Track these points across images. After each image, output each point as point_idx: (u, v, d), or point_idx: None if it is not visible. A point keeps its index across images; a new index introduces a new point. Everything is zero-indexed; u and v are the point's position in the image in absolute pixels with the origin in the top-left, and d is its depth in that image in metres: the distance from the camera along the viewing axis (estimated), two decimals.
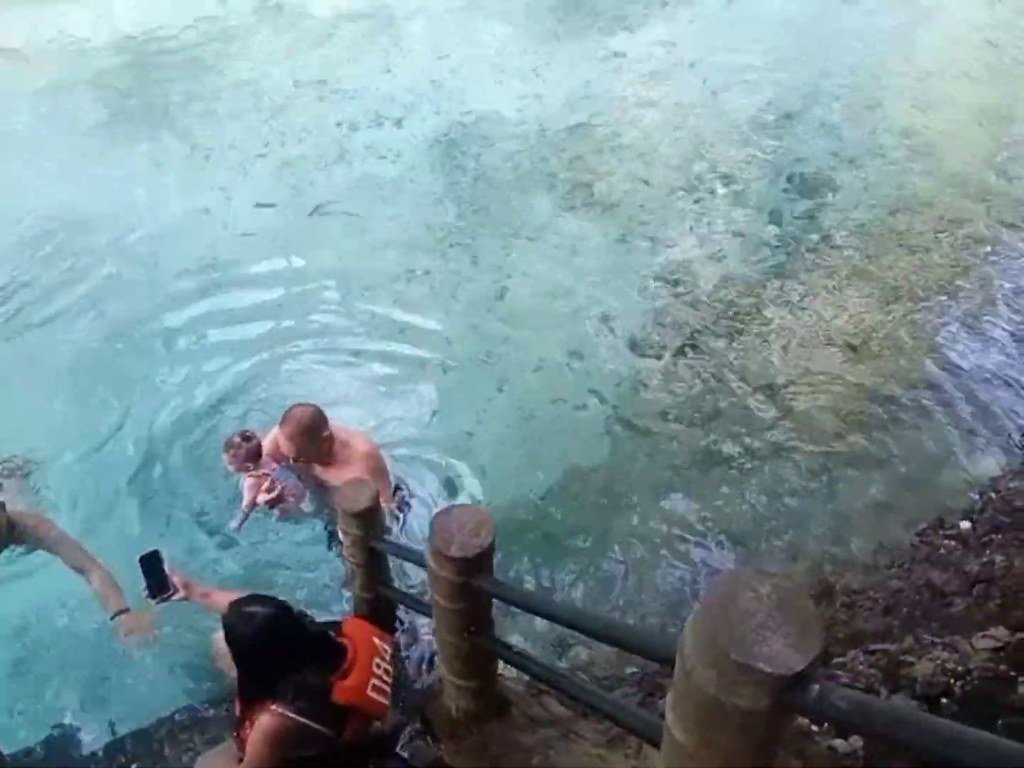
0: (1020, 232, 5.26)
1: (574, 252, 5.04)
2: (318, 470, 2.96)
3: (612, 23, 7.46)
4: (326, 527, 3.07)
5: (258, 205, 5.35)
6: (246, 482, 2.95)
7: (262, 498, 2.91)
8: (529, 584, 3.21)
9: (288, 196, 5.46)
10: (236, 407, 3.92)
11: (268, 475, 2.94)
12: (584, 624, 1.39)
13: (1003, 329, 4.58)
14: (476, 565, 1.63)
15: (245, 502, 2.94)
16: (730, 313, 4.66)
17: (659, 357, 4.40)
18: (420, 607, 2.18)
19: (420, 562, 1.87)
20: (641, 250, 5.10)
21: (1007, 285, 4.87)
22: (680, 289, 4.83)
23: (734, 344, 4.47)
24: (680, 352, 4.41)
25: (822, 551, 3.23)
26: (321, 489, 3.01)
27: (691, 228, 5.28)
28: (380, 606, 2.41)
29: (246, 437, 2.93)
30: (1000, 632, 1.90)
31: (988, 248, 5.14)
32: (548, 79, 6.73)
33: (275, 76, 6.73)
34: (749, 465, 3.74)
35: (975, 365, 4.35)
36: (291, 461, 2.90)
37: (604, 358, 4.39)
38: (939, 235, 5.24)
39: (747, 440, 3.91)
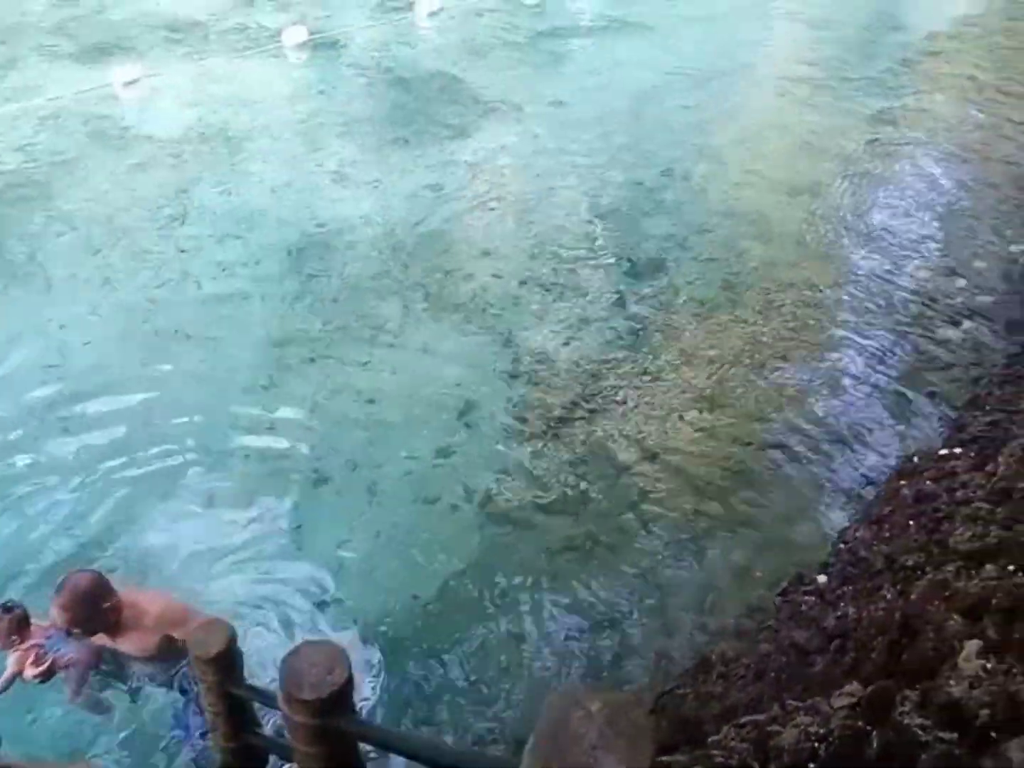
0: (840, 291, 5.76)
1: (434, 351, 5.12)
2: (104, 639, 2.72)
3: (451, 130, 7.80)
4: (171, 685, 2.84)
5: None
6: (9, 657, 2.67)
7: (28, 672, 2.64)
8: (414, 706, 3.11)
9: (132, 324, 5.29)
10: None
11: (37, 646, 2.67)
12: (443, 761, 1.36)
13: (840, 383, 4.96)
14: (332, 705, 1.57)
15: (4, 676, 2.67)
16: (588, 396, 4.82)
17: (525, 445, 4.49)
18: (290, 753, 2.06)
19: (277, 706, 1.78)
20: (498, 343, 5.23)
21: (837, 338, 5.31)
22: (539, 377, 4.97)
23: (595, 425, 4.62)
24: (544, 439, 4.52)
25: (695, 622, 3.32)
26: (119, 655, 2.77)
27: (543, 317, 5.47)
28: (248, 755, 2.26)
29: (6, 608, 2.69)
30: (855, 687, 1.98)
31: (816, 308, 5.59)
32: (394, 186, 6.92)
33: (114, 203, 6.59)
34: (619, 544, 3.83)
35: (818, 420, 4.67)
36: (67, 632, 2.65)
37: (472, 452, 4.43)
38: (771, 301, 5.65)
39: (616, 518, 4.02)
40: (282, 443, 4.38)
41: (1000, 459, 2.76)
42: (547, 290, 5.77)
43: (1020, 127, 8.00)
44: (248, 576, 3.49)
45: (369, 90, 8.66)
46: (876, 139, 7.84)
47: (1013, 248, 5.97)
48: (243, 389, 4.72)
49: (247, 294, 5.56)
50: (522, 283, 5.83)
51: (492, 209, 6.65)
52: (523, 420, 4.64)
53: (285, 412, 4.60)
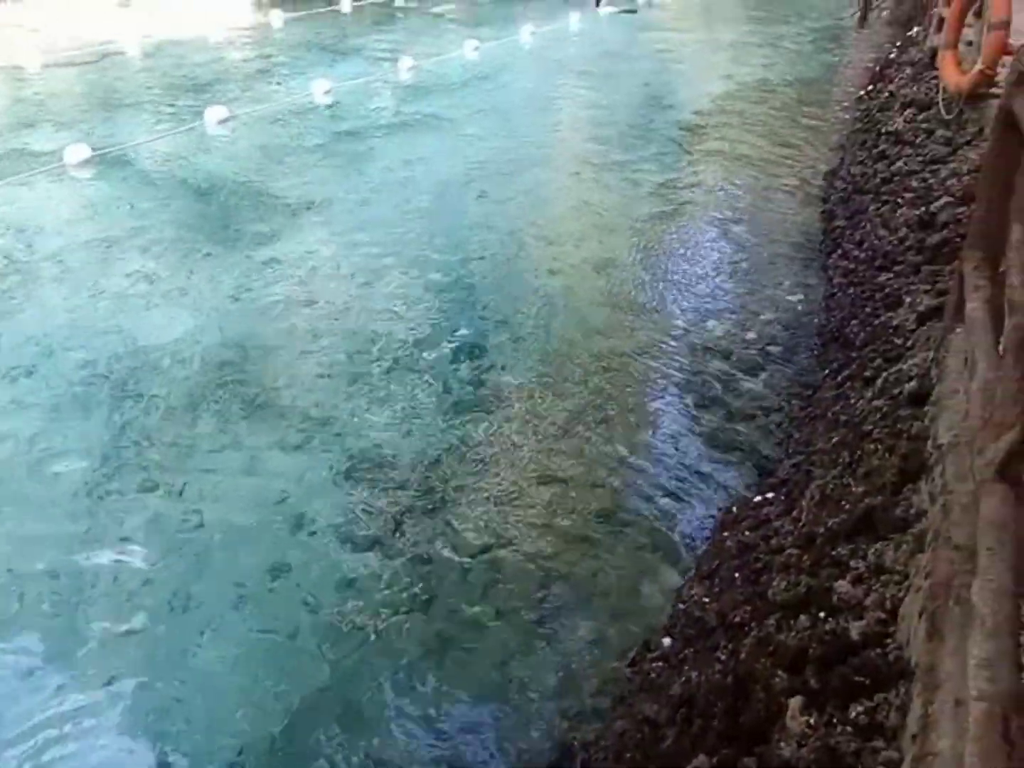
0: (648, 356, 6.10)
1: (259, 466, 4.90)
2: None
3: (256, 237, 7.70)
4: None
5: None
6: None
7: None
8: None
9: None
10: None
11: None
12: None
13: (661, 442, 5.20)
14: None
15: None
16: (426, 488, 4.77)
17: (366, 551, 4.36)
18: None
19: None
20: (327, 446, 5.09)
21: (652, 400, 5.60)
22: (374, 476, 4.87)
23: (436, 518, 4.56)
24: (385, 541, 4.40)
25: (554, 709, 3.29)
26: None
27: (371, 413, 5.41)
28: None
29: None
30: (701, 761, 2.01)
31: (630, 374, 5.87)
32: (202, 299, 6.70)
33: None
34: (472, 641, 3.76)
35: (648, 480, 4.85)
36: None
37: (309, 569, 4.24)
38: (589, 372, 5.89)
39: (466, 614, 3.96)
40: (98, 586, 4.01)
41: (803, 503, 2.96)
42: (372, 385, 5.72)
43: (782, 188, 8.96)
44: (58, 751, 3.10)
45: (165, 204, 8.41)
46: (662, 211, 8.50)
47: (790, 298, 6.59)
48: (52, 535, 4.31)
49: (43, 430, 5.13)
50: (346, 380, 5.76)
51: (306, 311, 6.56)
52: (361, 524, 4.51)
53: (102, 554, 4.23)
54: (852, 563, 2.06)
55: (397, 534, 4.45)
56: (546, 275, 7.23)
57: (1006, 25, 5.39)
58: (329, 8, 17.42)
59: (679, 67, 14.79)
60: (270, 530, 4.44)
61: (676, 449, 5.09)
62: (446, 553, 4.35)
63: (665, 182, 9.22)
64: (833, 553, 2.21)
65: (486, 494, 4.71)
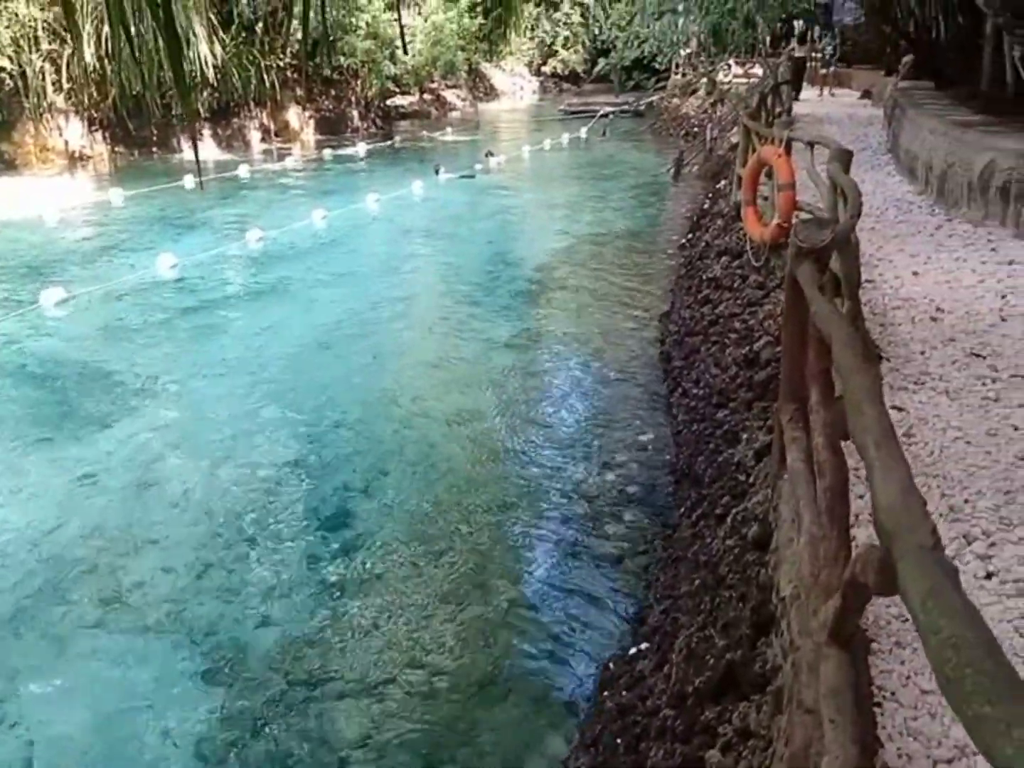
0: (515, 508, 6.13)
1: (106, 680, 4.45)
2: None
3: (99, 420, 7.34)
4: None
5: None
6: None
7: None
8: None
9: None
10: None
11: None
12: None
13: (536, 598, 5.14)
14: None
15: None
16: (294, 681, 4.46)
17: (232, 761, 3.97)
18: None
19: None
20: (181, 647, 4.71)
21: (524, 556, 5.57)
22: (235, 673, 4.51)
23: (309, 710, 4.25)
24: (252, 744, 4.04)
25: None
26: None
27: (229, 602, 5.08)
28: None
29: None
30: None
31: (497, 529, 5.85)
32: (39, 491, 6.24)
33: None
34: None
35: (525, 640, 4.74)
36: None
37: None
38: (457, 531, 5.82)
39: None
40: None
41: (673, 656, 2.98)
42: (229, 571, 5.40)
43: (623, 332, 9.53)
44: None
45: None
46: (516, 361, 8.80)
47: (642, 438, 6.89)
48: None
49: None
50: (200, 568, 5.41)
51: (155, 495, 6.22)
52: (224, 729, 4.13)
53: None
54: (720, 728, 2.06)
55: (265, 736, 4.10)
56: (409, 433, 7.24)
57: (792, 186, 6.12)
58: (172, 184, 17.59)
59: (519, 225, 15.80)
60: (127, 745, 3.99)
61: (552, 604, 5.04)
62: (325, 750, 4.04)
63: (516, 334, 9.60)
64: (703, 717, 2.21)
65: (357, 682, 4.46)
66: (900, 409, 3.35)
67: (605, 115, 24.48)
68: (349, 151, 23.46)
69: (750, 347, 6.12)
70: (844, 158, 4.64)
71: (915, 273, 5.42)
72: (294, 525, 5.90)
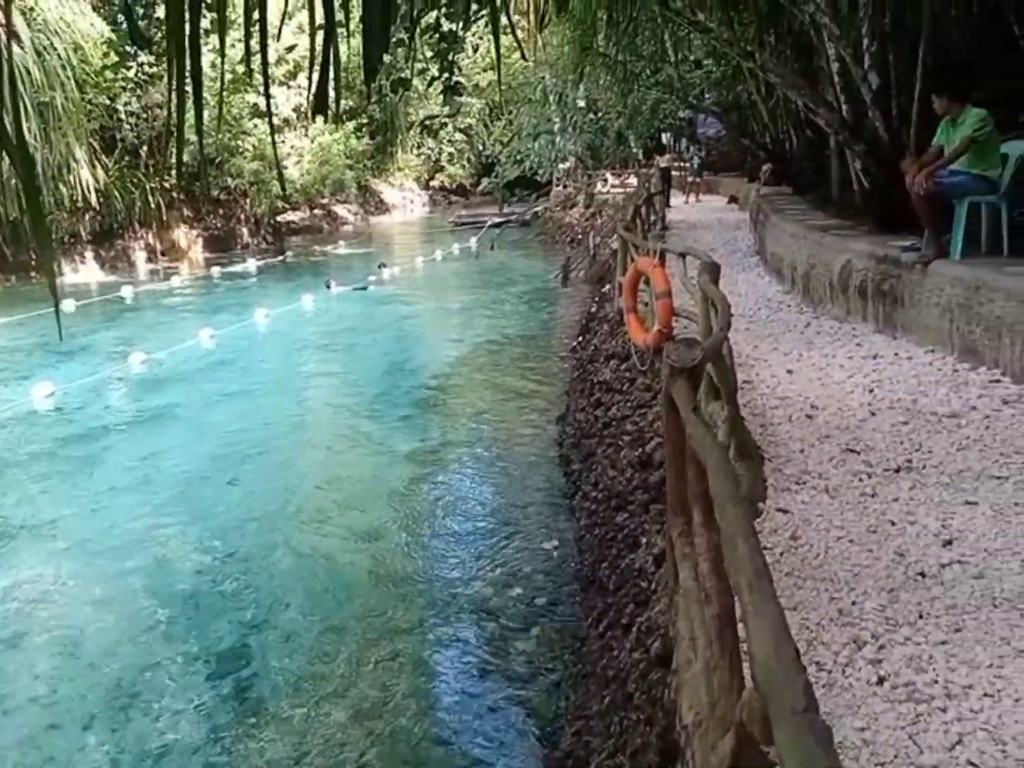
0: (420, 633, 5.91)
1: None
2: None
3: None
4: None
5: None
6: None
7: None
8: None
9: None
10: None
11: None
12: None
13: (446, 722, 4.91)
14: None
15: None
16: None
17: None
18: None
19: None
20: None
21: (430, 679, 5.34)
22: None
23: None
24: None
25: None
26: None
27: (118, 761, 4.63)
28: None
29: None
30: None
31: (402, 657, 5.61)
32: None
33: None
34: None
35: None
36: None
37: None
38: (365, 664, 5.54)
39: None
40: None
41: None
42: (113, 728, 4.95)
43: (522, 437, 9.59)
44: None
45: None
46: (417, 474, 8.69)
47: (547, 545, 6.85)
48: None
49: None
50: (85, 725, 4.94)
51: (30, 645, 5.69)
52: None
53: None
54: None
55: None
56: (308, 558, 6.96)
57: (668, 294, 6.44)
58: (50, 309, 16.94)
59: (415, 334, 15.94)
60: None
61: (463, 732, 4.81)
62: None
63: (416, 445, 9.52)
64: None
65: None
66: (785, 511, 3.46)
67: (495, 225, 25.40)
68: (239, 268, 23.35)
69: (642, 448, 6.25)
70: (713, 271, 4.93)
71: (789, 371, 5.71)
72: (185, 669, 5.49)
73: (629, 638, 3.97)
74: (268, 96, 2.84)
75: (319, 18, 2.86)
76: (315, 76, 2.78)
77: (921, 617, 2.64)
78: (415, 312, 17.57)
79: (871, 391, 5.09)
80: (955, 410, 4.57)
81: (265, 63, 2.71)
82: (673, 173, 22.06)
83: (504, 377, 12.25)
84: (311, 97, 2.59)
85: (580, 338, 12.81)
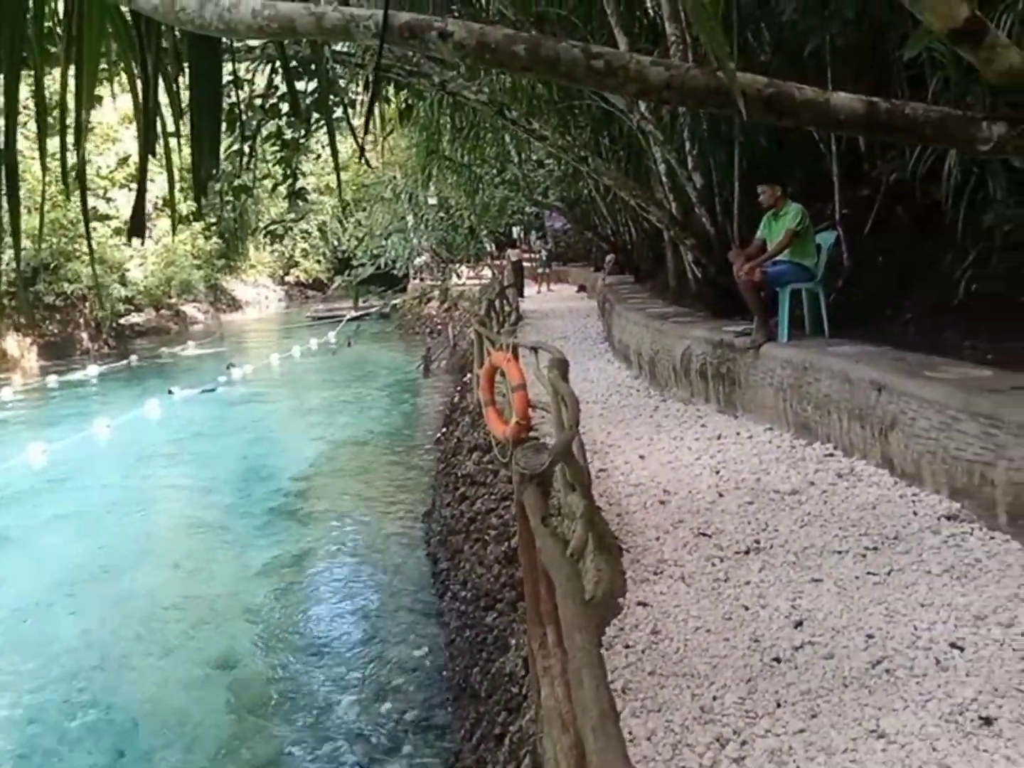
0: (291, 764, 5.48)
1: None
2: None
3: None
4: None
5: None
6: None
7: None
8: None
9: None
10: None
11: None
12: None
13: None
14: None
15: None
16: None
17: None
18: None
19: None
20: None
21: None
22: None
23: None
24: None
25: None
26: None
27: None
28: None
29: None
30: None
31: None
32: None
33: None
34: None
35: None
36: None
37: None
38: None
39: None
40: None
41: None
42: None
43: (389, 536, 9.33)
44: None
45: None
46: (277, 586, 8.23)
47: (416, 653, 6.59)
48: None
49: None
50: None
51: None
52: None
53: None
54: None
55: None
56: (160, 691, 6.39)
57: (523, 387, 6.53)
58: None
59: (272, 436, 15.39)
60: None
61: None
62: None
63: (275, 556, 9.07)
64: None
65: None
66: (645, 604, 3.47)
67: (354, 319, 25.26)
68: (79, 375, 21.99)
69: (508, 543, 6.20)
70: (562, 366, 5.04)
71: (641, 456, 5.88)
72: None
73: (502, 750, 3.82)
74: (85, 203, 2.72)
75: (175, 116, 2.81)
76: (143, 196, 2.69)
77: (779, 706, 2.68)
78: (271, 412, 17.02)
79: (718, 472, 5.29)
80: (795, 486, 4.81)
81: (83, 169, 2.60)
82: (524, 265, 22.86)
83: (367, 475, 11.99)
84: (128, 220, 2.49)
85: (444, 429, 12.77)
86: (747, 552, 3.98)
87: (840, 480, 4.83)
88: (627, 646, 3.15)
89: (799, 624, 3.23)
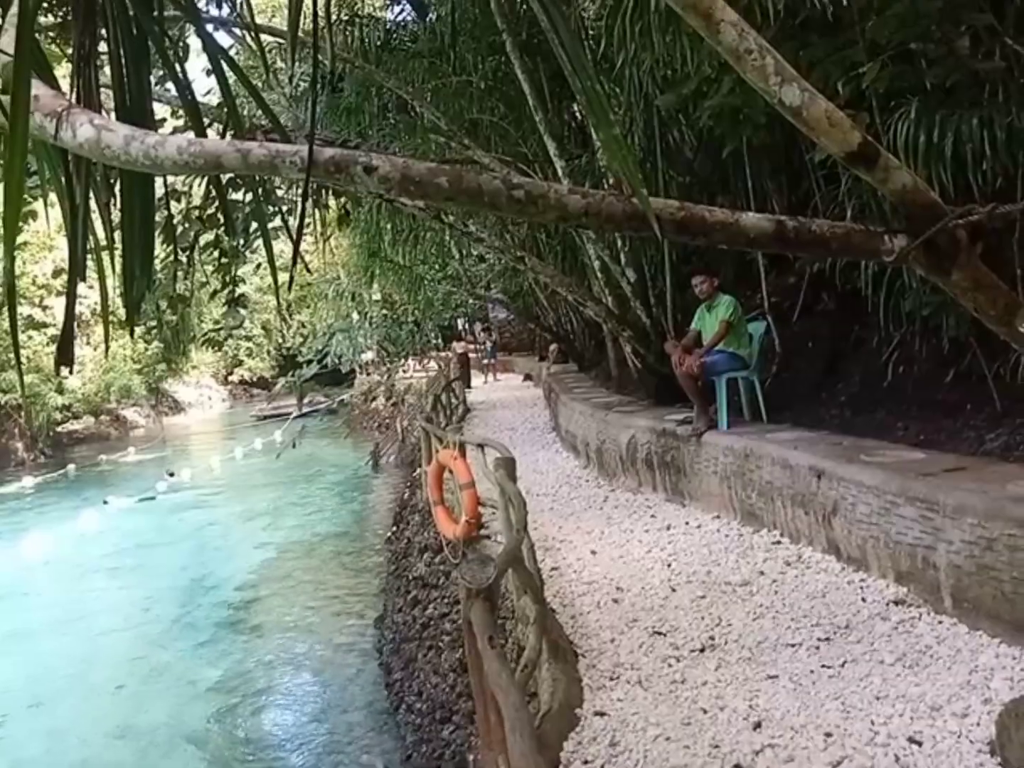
0: None
1: None
2: None
3: None
4: None
5: None
6: None
7: None
8: None
9: None
10: None
11: None
12: None
13: None
14: None
15: None
16: None
17: None
18: None
19: None
20: None
21: None
22: None
23: None
24: None
25: None
26: None
27: None
28: None
29: None
30: None
31: None
32: None
33: None
34: None
35: None
36: None
37: None
38: None
39: None
40: None
41: None
42: None
43: (340, 646, 8.98)
44: None
45: None
46: (223, 707, 7.81)
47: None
48: None
49: None
50: None
51: None
52: None
53: None
54: None
55: None
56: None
57: (471, 484, 6.49)
58: None
59: (215, 544, 14.88)
60: None
61: None
62: None
63: (221, 672, 8.65)
64: None
65: None
66: (602, 714, 3.38)
67: (301, 415, 24.94)
68: (12, 488, 21.11)
69: (463, 649, 6.00)
70: (509, 466, 5.04)
71: (593, 552, 5.83)
72: None
73: None
74: (14, 321, 2.66)
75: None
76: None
77: None
78: (213, 519, 16.49)
79: (669, 565, 5.27)
80: (746, 577, 4.81)
81: (12, 285, 2.55)
82: (471, 356, 23.06)
83: (316, 580, 11.62)
84: (56, 349, 2.43)
85: (394, 528, 12.52)
86: (702, 650, 3.94)
87: (789, 568, 4.85)
88: (586, 762, 3.04)
89: (758, 725, 3.17)
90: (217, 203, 6.70)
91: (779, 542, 5.31)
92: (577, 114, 10.29)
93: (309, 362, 20.24)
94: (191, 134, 2.51)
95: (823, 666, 3.59)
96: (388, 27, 9.48)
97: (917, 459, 4.66)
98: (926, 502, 4.02)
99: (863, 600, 4.23)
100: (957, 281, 1.95)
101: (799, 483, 5.12)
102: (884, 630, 3.86)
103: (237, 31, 7.14)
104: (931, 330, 5.64)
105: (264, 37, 9.17)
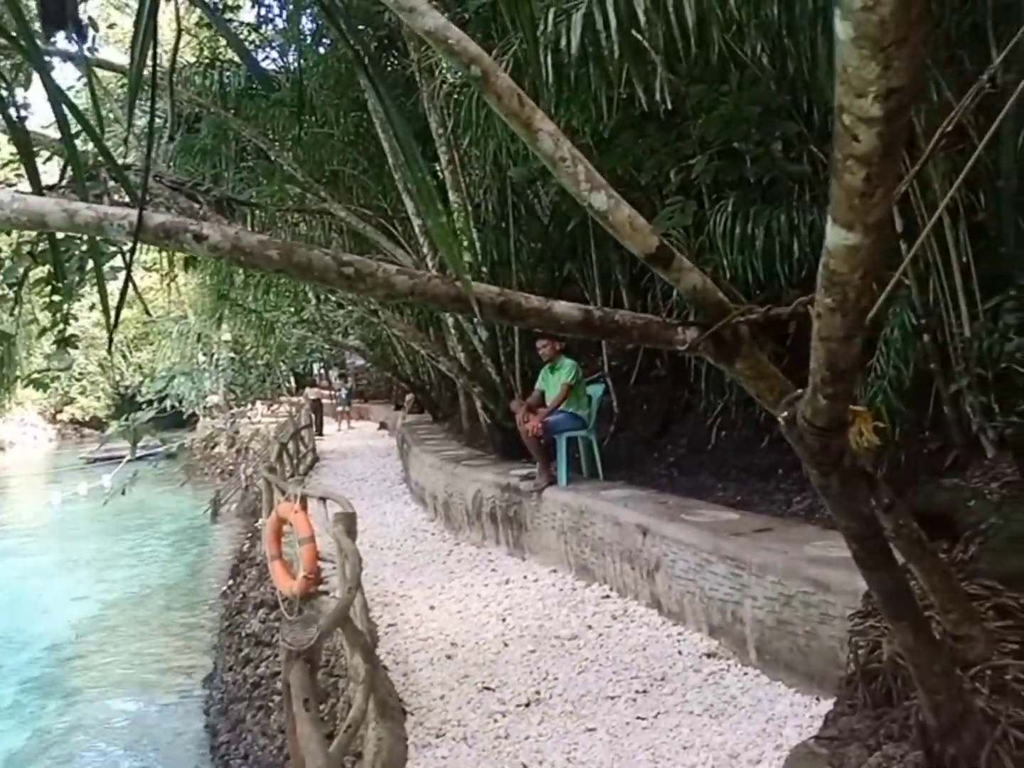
0: None
1: None
2: None
3: None
4: None
5: None
6: None
7: None
8: None
9: None
10: None
11: None
12: None
13: None
14: None
15: None
16: None
17: None
18: None
19: None
20: None
21: None
22: None
23: None
24: None
25: None
26: None
27: None
28: None
29: None
30: None
31: None
32: None
33: None
34: None
35: None
36: None
37: None
38: None
39: None
40: None
41: None
42: None
43: (164, 707, 8.43)
44: None
45: None
46: None
47: None
48: None
49: None
50: None
51: None
52: None
53: None
54: None
55: None
56: None
57: (312, 538, 6.37)
58: None
59: (27, 598, 13.64)
60: None
61: None
62: None
63: (27, 740, 7.92)
64: None
65: None
66: None
67: (135, 459, 23.45)
68: None
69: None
70: (348, 521, 5.02)
71: (432, 607, 5.86)
72: None
73: None
74: None
75: None
76: None
77: None
78: (28, 568, 15.16)
79: (504, 620, 5.38)
80: (575, 631, 5.00)
81: None
82: (325, 402, 22.62)
83: (142, 637, 10.90)
84: None
85: (230, 581, 11.96)
86: (528, 704, 4.05)
87: (615, 622, 5.08)
88: None
89: None
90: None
91: (608, 596, 5.55)
92: (438, 172, 10.56)
93: (148, 403, 19.16)
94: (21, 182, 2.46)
95: (638, 718, 3.79)
96: (249, 74, 9.41)
97: (731, 519, 5.04)
98: (735, 560, 4.36)
99: (679, 653, 4.50)
100: (740, 370, 2.19)
101: (627, 539, 5.41)
102: (696, 682, 4.12)
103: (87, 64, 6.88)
104: (748, 399, 6.16)
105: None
